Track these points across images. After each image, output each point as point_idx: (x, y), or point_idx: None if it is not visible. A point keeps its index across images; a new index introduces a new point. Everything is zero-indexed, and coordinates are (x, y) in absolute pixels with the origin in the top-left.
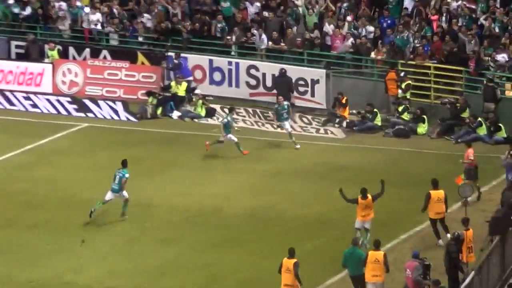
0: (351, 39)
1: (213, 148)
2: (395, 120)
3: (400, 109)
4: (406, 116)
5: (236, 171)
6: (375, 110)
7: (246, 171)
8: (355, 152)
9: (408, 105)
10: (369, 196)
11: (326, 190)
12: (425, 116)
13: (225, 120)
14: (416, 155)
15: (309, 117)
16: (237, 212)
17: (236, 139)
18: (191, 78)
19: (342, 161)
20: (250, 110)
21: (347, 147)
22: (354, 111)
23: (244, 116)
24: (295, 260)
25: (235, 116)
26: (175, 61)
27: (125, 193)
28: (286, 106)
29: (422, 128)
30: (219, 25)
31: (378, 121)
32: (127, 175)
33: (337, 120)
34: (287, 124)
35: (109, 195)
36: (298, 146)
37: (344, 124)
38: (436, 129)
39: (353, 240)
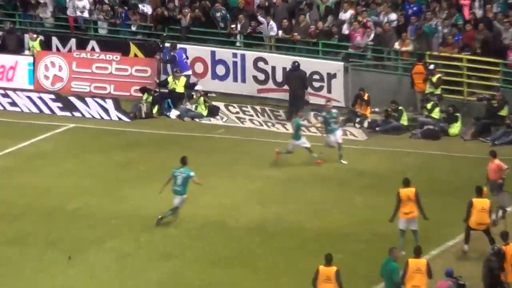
0: (373, 32)
1: (219, 151)
2: (424, 119)
3: (428, 106)
4: (436, 114)
5: (245, 178)
6: (400, 108)
7: (256, 178)
8: (378, 156)
9: (437, 102)
10: (414, 189)
11: (346, 198)
12: (458, 115)
13: (303, 122)
14: (447, 159)
15: None
16: (246, 223)
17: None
18: (188, 72)
19: (363, 166)
20: (258, 108)
21: (369, 150)
22: (376, 109)
23: (252, 115)
24: (335, 268)
25: (241, 115)
26: (172, 53)
27: (185, 197)
28: (335, 114)
29: (454, 128)
30: (218, 14)
31: (404, 120)
32: (192, 173)
33: (358, 119)
34: (338, 135)
35: (176, 201)
36: (345, 162)
37: (366, 124)
38: (470, 129)
39: (390, 250)
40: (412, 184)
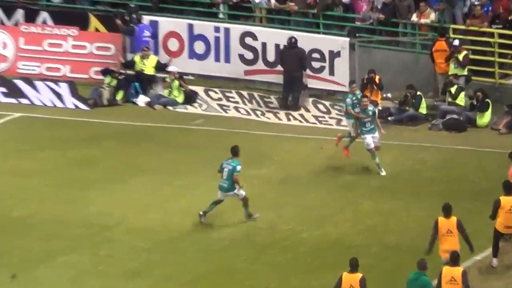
0: None
1: (197, 146)
2: (446, 107)
3: (452, 90)
4: (461, 101)
5: None
6: (418, 93)
7: (243, 178)
8: (390, 151)
9: (463, 86)
10: (455, 218)
11: (351, 203)
12: (488, 101)
13: (351, 98)
14: (475, 155)
15: (327, 103)
16: (230, 233)
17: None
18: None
19: (372, 164)
20: (245, 94)
21: (380, 144)
22: (388, 95)
23: (237, 103)
24: (360, 275)
25: (224, 102)
26: (135, 27)
27: (240, 191)
28: (371, 111)
29: (484, 118)
30: None
31: (422, 108)
32: (239, 168)
33: None
34: (369, 139)
35: (219, 194)
36: (383, 173)
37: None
38: (502, 119)
39: (420, 263)
40: (433, 184)
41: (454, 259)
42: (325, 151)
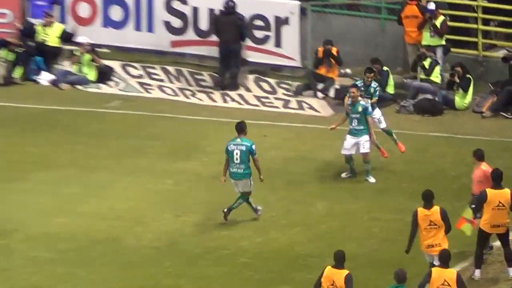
0: None
1: (112, 135)
2: (418, 84)
3: (426, 65)
4: (436, 77)
5: (153, 174)
6: (384, 68)
7: (168, 174)
8: None
9: (437, 59)
10: (437, 208)
11: (301, 203)
12: (470, 77)
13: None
14: (453, 143)
15: (272, 81)
16: (152, 241)
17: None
18: (40, 21)
19: (327, 155)
20: (171, 70)
21: (337, 131)
22: (348, 71)
23: (162, 80)
24: (346, 271)
25: (147, 80)
26: None
27: (251, 182)
28: (361, 106)
29: (464, 99)
30: None
31: (389, 87)
32: (254, 147)
33: (321, 85)
34: (347, 142)
35: (239, 189)
36: (372, 180)
37: (332, 92)
38: (487, 100)
39: (399, 275)
40: (402, 181)
41: (444, 259)
42: (269, 139)
